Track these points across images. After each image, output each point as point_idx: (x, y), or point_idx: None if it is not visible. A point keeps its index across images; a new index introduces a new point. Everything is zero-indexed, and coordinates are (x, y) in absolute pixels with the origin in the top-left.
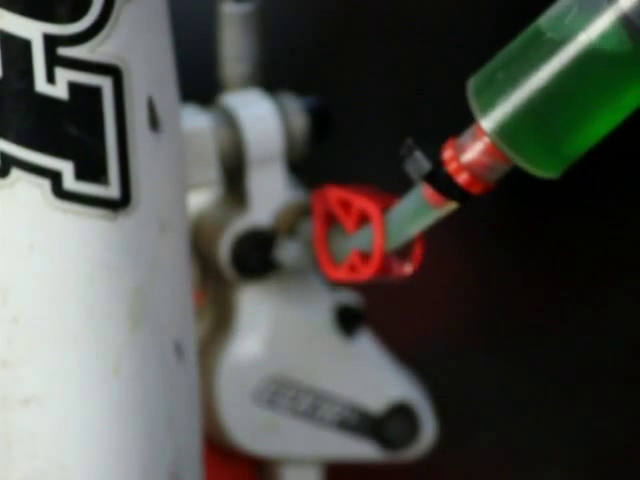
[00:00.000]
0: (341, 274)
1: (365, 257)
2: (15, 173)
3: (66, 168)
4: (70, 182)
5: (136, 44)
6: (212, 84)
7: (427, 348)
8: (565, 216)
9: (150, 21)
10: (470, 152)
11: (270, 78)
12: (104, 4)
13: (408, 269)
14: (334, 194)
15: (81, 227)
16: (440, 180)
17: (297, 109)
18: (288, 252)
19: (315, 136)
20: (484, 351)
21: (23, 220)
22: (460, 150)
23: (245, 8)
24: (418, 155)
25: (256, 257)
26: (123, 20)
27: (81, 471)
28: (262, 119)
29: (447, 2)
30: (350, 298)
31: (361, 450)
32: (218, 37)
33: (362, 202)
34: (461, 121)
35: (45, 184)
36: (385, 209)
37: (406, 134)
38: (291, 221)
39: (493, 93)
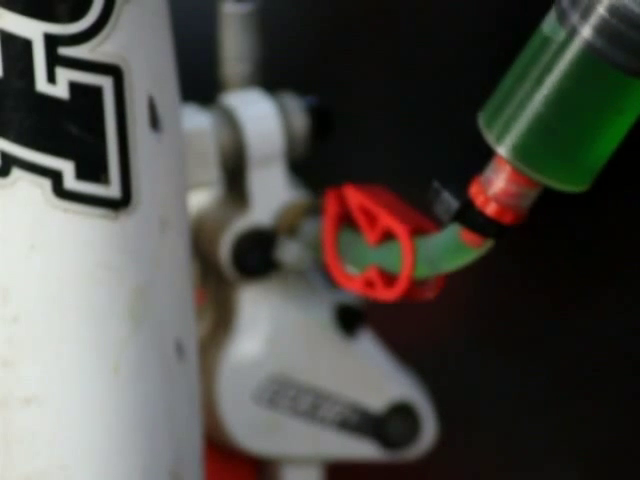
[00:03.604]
0: (354, 285)
1: (386, 278)
2: (16, 173)
3: (67, 168)
4: (71, 182)
5: (136, 44)
6: (212, 84)
7: (427, 348)
8: (565, 216)
9: (150, 21)
10: (496, 183)
11: (270, 78)
12: (104, 4)
13: (428, 294)
14: (355, 198)
15: (82, 227)
16: (470, 216)
17: (297, 109)
18: (289, 252)
19: (315, 136)
20: (484, 351)
21: (24, 220)
22: (486, 184)
23: (245, 8)
24: (445, 196)
25: (257, 257)
26: (123, 20)
27: (81, 471)
28: (262, 119)
29: (447, 2)
30: (351, 298)
31: (362, 450)
32: (218, 37)
33: (391, 220)
34: (461, 121)
35: (46, 184)
36: (415, 232)
37: (406, 134)
38: (292, 221)
39: (503, 119)
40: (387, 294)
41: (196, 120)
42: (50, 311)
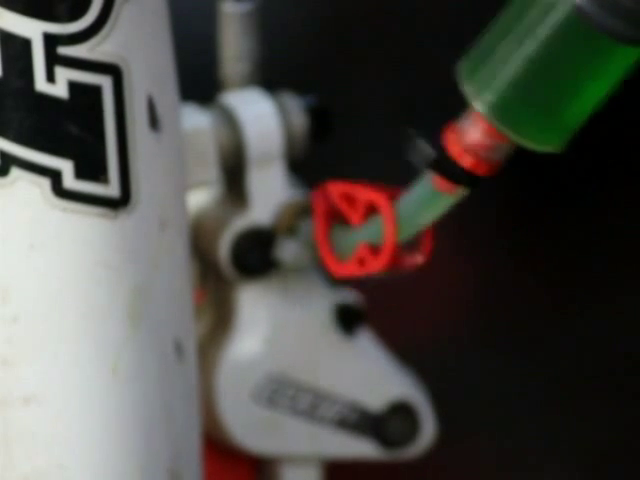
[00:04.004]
0: (348, 269)
1: (375, 250)
2: (15, 172)
3: (66, 167)
4: (70, 181)
5: (136, 43)
6: (212, 83)
7: (427, 347)
8: (566, 215)
9: (150, 20)
10: (470, 135)
11: (270, 77)
12: (104, 3)
13: (419, 259)
14: (336, 189)
15: (81, 226)
16: (445, 165)
17: (297, 108)
18: (288, 251)
19: (315, 135)
20: (484, 351)
21: (23, 219)
22: (461, 134)
23: (245, 7)
24: (421, 143)
25: (256, 256)
26: (123, 19)
27: (80, 470)
28: (262, 118)
29: (447, 2)
30: (350, 297)
31: (361, 449)
32: (218, 36)
33: (368, 193)
34: None
35: (45, 183)
36: (393, 199)
37: (406, 134)
38: (291, 220)
39: (483, 75)
40: (376, 264)
41: (195, 120)
42: (49, 311)
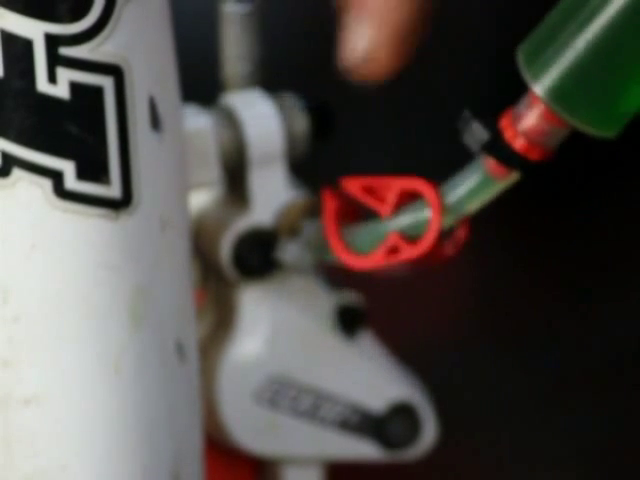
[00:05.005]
0: (374, 260)
1: (410, 238)
2: (16, 173)
3: (67, 168)
4: (71, 182)
5: (137, 44)
6: (213, 84)
7: (427, 348)
8: (566, 215)
9: (151, 20)
10: (527, 119)
11: (271, 78)
12: (105, 4)
13: (452, 249)
14: (355, 184)
15: (82, 227)
16: (499, 149)
17: (298, 109)
18: (289, 252)
19: (316, 135)
20: (484, 351)
21: (24, 220)
22: (517, 118)
23: (246, 8)
24: (476, 126)
25: (257, 257)
26: (124, 20)
27: (82, 471)
28: (263, 119)
29: (447, 2)
30: (351, 298)
31: (362, 450)
32: (219, 37)
33: (407, 183)
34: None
35: (46, 184)
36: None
37: (406, 134)
38: (292, 221)
39: (543, 58)
40: (413, 252)
41: (197, 120)
42: (50, 311)
